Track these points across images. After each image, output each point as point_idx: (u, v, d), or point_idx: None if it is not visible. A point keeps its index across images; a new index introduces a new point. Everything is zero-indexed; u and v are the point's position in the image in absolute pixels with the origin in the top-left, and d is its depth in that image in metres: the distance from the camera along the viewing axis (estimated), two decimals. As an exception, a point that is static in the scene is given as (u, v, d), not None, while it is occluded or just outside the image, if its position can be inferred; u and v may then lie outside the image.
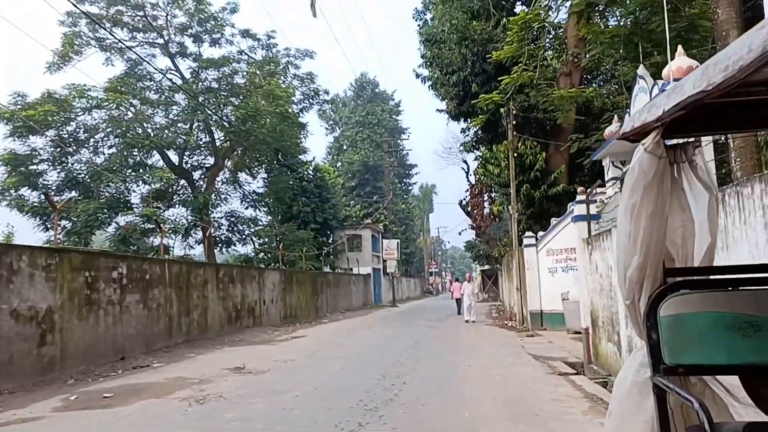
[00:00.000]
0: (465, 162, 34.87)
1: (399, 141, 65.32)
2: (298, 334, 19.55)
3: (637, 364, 2.44)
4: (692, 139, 2.31)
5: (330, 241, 43.59)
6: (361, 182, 56.92)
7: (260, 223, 38.89)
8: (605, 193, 12.48)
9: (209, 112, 33.13)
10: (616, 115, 15.90)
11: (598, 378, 9.50)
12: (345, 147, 62.81)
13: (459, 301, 25.48)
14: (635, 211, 2.19)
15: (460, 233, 36.33)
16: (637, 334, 2.49)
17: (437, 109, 25.85)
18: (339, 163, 60.68)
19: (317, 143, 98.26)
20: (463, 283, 22.78)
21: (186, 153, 34.59)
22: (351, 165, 57.72)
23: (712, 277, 2.42)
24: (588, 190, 11.15)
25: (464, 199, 31.66)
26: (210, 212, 36.92)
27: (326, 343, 16.15)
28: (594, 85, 22.94)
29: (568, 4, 18.69)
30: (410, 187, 71.08)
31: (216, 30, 34.33)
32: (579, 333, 16.08)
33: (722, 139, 9.10)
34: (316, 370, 10.99)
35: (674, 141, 2.32)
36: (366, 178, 57.04)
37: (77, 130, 30.31)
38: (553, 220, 18.24)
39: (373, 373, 10.10)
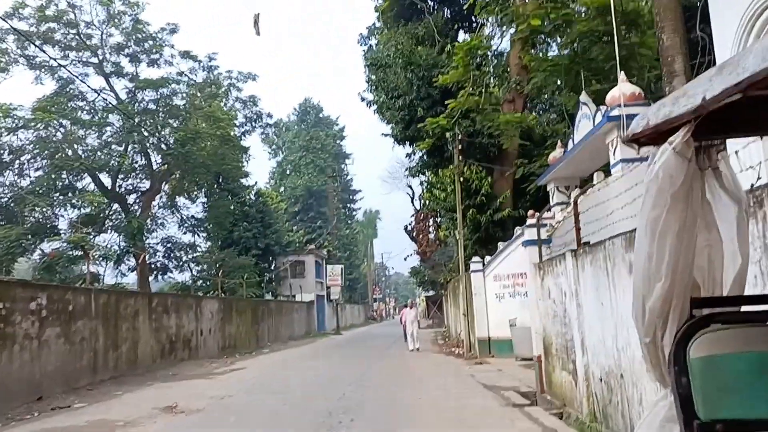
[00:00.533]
0: (410, 187, 34.76)
1: (343, 166, 65.02)
2: (237, 366, 18.54)
3: (661, 419, 1.96)
4: (717, 141, 1.90)
5: (272, 267, 42.47)
6: (304, 207, 56.09)
7: (199, 249, 37.47)
8: (554, 217, 12.34)
9: (146, 133, 31.86)
10: (559, 140, 15.98)
11: (553, 409, 9.14)
12: (288, 172, 61.95)
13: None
14: (659, 227, 1.75)
15: (405, 259, 36.12)
16: (657, 379, 2.02)
17: (383, 134, 25.57)
18: (282, 188, 59.70)
19: (260, 168, 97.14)
20: (404, 309, 21.90)
21: (120, 176, 33.06)
22: (294, 190, 56.88)
23: (747, 308, 2.00)
24: (538, 214, 10.97)
25: (409, 224, 31.48)
26: (145, 238, 35.33)
27: (267, 376, 15.29)
28: (534, 113, 23.25)
29: (511, 31, 18.86)
30: (354, 213, 70.69)
31: (154, 50, 33.24)
32: (528, 360, 15.83)
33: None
34: (255, 407, 10.20)
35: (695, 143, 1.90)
36: (309, 203, 56.26)
37: (1, 151, 28.47)
38: (500, 245, 18.09)
39: (318, 410, 9.41)
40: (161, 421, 9.25)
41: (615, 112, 10.52)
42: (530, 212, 10.95)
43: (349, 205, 68.88)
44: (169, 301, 19.01)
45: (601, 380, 7.35)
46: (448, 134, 20.67)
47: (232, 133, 34.46)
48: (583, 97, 12.81)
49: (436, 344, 26.03)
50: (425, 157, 23.57)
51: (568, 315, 8.53)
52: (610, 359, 7.00)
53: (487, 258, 18.49)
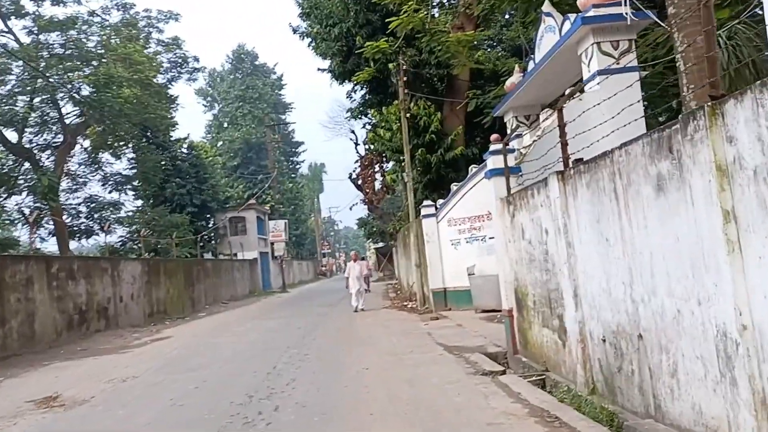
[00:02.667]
0: (353, 132, 32.42)
1: (283, 117, 61.73)
2: (163, 334, 16.27)
3: None
4: None
5: (210, 225, 39.65)
6: (244, 161, 52.95)
7: (127, 208, 34.31)
8: (522, 141, 10.39)
9: (53, 81, 28.15)
10: (517, 66, 13.99)
11: (531, 375, 7.35)
12: (225, 125, 58.42)
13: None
14: None
15: (351, 208, 33.83)
16: None
17: (318, 68, 22.86)
18: (220, 142, 56.28)
19: (197, 122, 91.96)
20: (349, 263, 19.15)
21: (27, 130, 29.33)
22: (232, 143, 53.57)
23: None
24: (505, 139, 9.01)
25: (354, 171, 29.17)
26: (65, 197, 31.95)
27: (192, 347, 13.09)
28: (482, 50, 21.21)
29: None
30: (298, 166, 67.76)
31: (59, -16, 29.10)
32: (490, 312, 14.19)
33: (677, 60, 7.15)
34: (158, 393, 8.02)
35: None
36: (249, 157, 53.12)
37: None
38: (454, 186, 16.18)
39: (237, 394, 7.34)
40: (26, 420, 7.00)
41: (591, 13, 8.54)
42: (494, 136, 8.96)
43: (292, 159, 65.87)
44: (76, 265, 16.34)
45: (604, 341, 5.51)
46: (391, 65, 18.37)
47: (153, 79, 30.95)
48: (546, 6, 10.71)
49: (388, 298, 24.29)
50: (367, 94, 21.27)
51: (552, 258, 6.64)
52: (619, 314, 5.14)
53: (440, 201, 16.58)
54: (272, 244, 41.42)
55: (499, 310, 13.90)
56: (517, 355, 8.39)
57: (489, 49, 21.92)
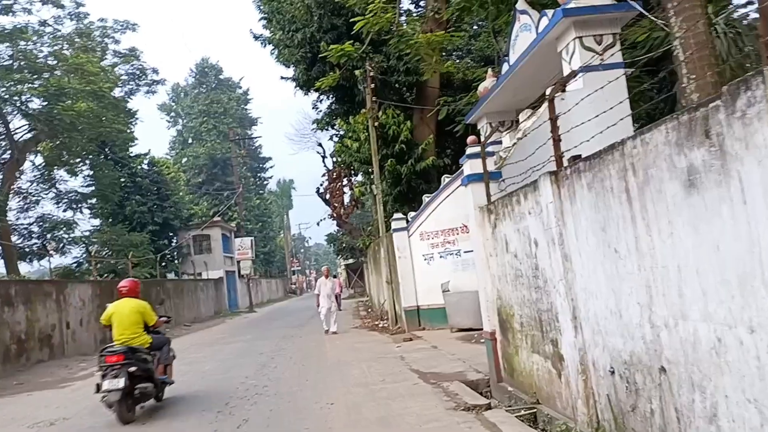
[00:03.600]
0: (320, 145, 31.36)
1: (249, 132, 60.44)
2: (113, 364, 14.87)
3: None
4: None
5: (173, 243, 38.07)
6: (209, 177, 51.45)
7: (82, 227, 32.59)
8: (501, 142, 9.52)
9: (0, 93, 26.59)
10: (490, 70, 13.25)
11: (520, 407, 6.39)
12: (190, 140, 56.85)
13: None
14: None
15: (318, 224, 32.56)
16: None
17: (282, 77, 21.81)
18: (185, 159, 54.69)
19: (161, 140, 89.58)
20: (320, 279, 17.43)
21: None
22: (197, 159, 52.04)
23: None
24: (483, 140, 8.13)
25: (321, 185, 28.08)
26: (18, 218, 30.18)
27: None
28: (451, 59, 20.55)
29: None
30: (266, 182, 66.32)
31: (5, -7, 27.61)
32: (467, 331, 13.25)
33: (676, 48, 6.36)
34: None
35: None
36: (214, 173, 51.64)
37: None
38: (426, 198, 15.28)
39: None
40: None
41: (572, 4, 7.76)
42: (470, 138, 8.08)
43: (259, 174, 64.43)
44: (13, 289, 14.87)
45: (612, 373, 4.58)
46: (357, 72, 17.47)
47: (111, 92, 29.52)
48: (521, 4, 9.96)
49: (358, 317, 23.20)
50: (333, 104, 20.33)
51: (543, 274, 5.71)
52: (633, 342, 4.21)
53: (411, 214, 15.66)
54: (239, 262, 39.98)
55: (477, 329, 12.98)
56: (501, 383, 7.43)
57: (458, 60, 21.26)
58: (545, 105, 7.45)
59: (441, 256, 14.86)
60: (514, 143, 8.66)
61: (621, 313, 4.34)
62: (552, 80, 9.99)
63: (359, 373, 9.64)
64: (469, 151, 7.90)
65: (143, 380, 7.53)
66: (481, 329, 12.94)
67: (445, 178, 14.88)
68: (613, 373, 4.58)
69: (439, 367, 9.23)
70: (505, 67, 10.85)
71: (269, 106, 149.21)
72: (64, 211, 32.36)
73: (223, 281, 37.66)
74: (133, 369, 7.28)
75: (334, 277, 23.74)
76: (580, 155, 4.94)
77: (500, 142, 9.66)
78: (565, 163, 5.17)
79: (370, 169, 18.11)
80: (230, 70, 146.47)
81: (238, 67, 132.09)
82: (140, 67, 32.52)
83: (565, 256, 5.13)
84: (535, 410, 6.26)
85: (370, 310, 25.99)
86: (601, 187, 4.40)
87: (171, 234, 37.70)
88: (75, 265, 31.43)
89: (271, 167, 65.32)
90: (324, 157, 29.09)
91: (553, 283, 5.42)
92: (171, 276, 35.97)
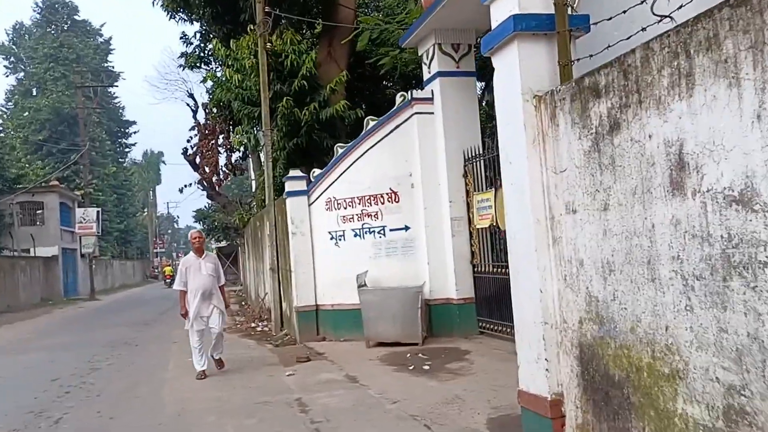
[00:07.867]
0: (191, 96, 25.39)
1: (110, 90, 52.06)
2: None
3: None
4: None
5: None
6: (53, 135, 42.84)
7: None
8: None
9: None
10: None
11: None
12: (35, 92, 47.78)
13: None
14: None
15: (181, 190, 26.34)
16: None
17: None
18: (26, 113, 45.62)
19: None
20: (186, 259, 8.36)
21: None
22: (38, 112, 43.20)
23: None
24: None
25: (189, 142, 22.10)
26: None
27: None
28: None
29: None
30: (127, 149, 57.86)
31: None
32: (389, 346, 8.71)
33: None
34: None
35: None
36: (60, 131, 43.14)
37: None
38: (338, 148, 10.50)
39: None
40: None
41: None
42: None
43: (121, 140, 56.04)
44: None
45: None
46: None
47: None
48: None
49: (229, 312, 17.85)
50: (210, 22, 14.90)
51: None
52: None
53: (316, 172, 10.82)
54: (81, 238, 32.71)
55: (407, 344, 8.55)
56: None
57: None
58: None
59: (356, 235, 10.12)
60: None
61: None
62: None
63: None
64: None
65: None
66: (414, 344, 8.48)
67: (369, 121, 10.20)
68: None
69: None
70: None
71: (141, 69, 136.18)
72: None
73: (57, 260, 30.37)
74: None
75: (211, 252, 15.34)
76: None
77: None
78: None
79: (257, 112, 12.96)
80: (89, 12, 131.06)
81: (103, 14, 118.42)
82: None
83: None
84: None
85: (245, 303, 20.72)
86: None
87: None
88: None
89: (135, 132, 57.05)
90: (195, 111, 23.24)
91: None
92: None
